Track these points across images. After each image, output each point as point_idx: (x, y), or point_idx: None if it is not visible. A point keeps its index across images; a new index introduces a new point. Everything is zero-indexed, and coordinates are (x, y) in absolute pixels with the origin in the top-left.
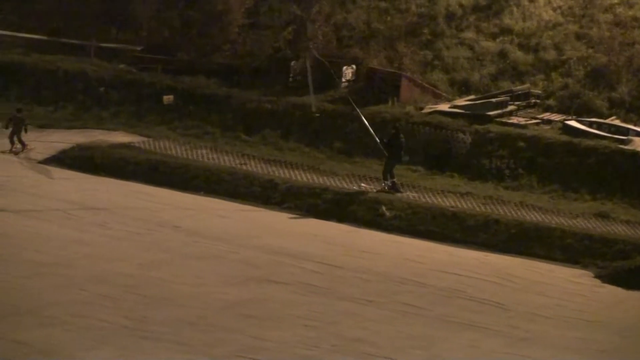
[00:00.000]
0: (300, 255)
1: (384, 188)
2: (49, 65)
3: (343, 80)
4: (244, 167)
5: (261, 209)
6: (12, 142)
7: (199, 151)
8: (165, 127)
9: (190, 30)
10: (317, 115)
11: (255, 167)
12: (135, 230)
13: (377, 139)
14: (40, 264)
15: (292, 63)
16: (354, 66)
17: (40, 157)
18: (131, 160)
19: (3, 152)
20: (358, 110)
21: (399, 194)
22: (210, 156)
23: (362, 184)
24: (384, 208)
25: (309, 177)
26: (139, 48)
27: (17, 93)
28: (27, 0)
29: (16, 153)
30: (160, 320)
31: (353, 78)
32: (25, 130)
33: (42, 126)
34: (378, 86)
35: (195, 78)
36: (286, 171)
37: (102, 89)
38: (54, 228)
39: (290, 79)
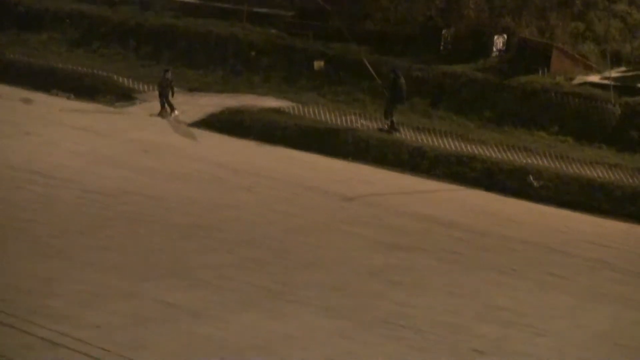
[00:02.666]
0: (446, 222)
1: (384, 127)
2: (200, 29)
3: (494, 49)
4: None
5: (408, 175)
6: (162, 105)
7: (348, 117)
8: (315, 93)
9: None
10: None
11: (404, 135)
12: (283, 195)
13: (379, 81)
14: (189, 226)
15: (444, 31)
16: (505, 36)
17: (189, 120)
18: (280, 125)
19: (152, 114)
20: (365, 60)
21: (397, 134)
22: (359, 122)
23: (531, 177)
24: (531, 177)
25: (458, 145)
26: (290, 14)
27: (169, 56)
28: None
29: (165, 116)
30: (306, 285)
31: (504, 48)
32: (172, 93)
33: (193, 89)
34: (529, 56)
35: (346, 45)
36: (435, 139)
37: (253, 53)
38: (204, 191)
39: (441, 48)
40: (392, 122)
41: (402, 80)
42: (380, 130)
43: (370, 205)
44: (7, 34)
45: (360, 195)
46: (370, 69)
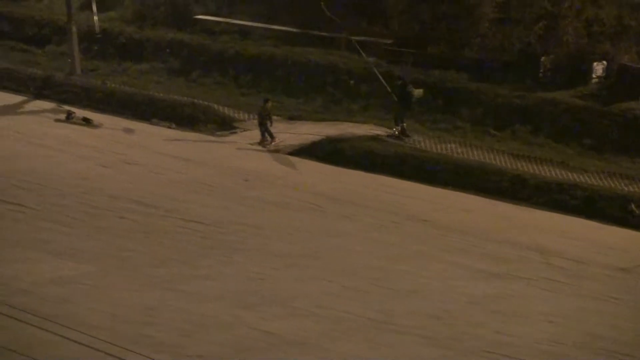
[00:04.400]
0: (547, 251)
1: (394, 133)
2: (299, 57)
3: (593, 76)
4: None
5: (508, 204)
6: (262, 134)
7: (448, 145)
8: (414, 121)
9: (440, 24)
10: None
11: (504, 162)
12: (382, 223)
13: (388, 89)
14: (289, 255)
15: (542, 58)
16: (604, 62)
17: (289, 148)
18: (379, 153)
19: (252, 143)
20: (372, 65)
21: (407, 140)
22: (458, 150)
23: (633, 205)
24: (632, 205)
25: (558, 172)
26: (388, 41)
27: (268, 85)
28: None
29: (265, 145)
30: (406, 314)
31: (603, 74)
32: (270, 122)
33: (292, 118)
34: (629, 83)
35: (445, 72)
36: (534, 166)
37: (352, 81)
38: (303, 219)
39: (541, 74)
40: (402, 128)
41: (411, 87)
42: (390, 136)
43: (470, 234)
44: (108, 63)
45: (459, 223)
46: (382, 79)
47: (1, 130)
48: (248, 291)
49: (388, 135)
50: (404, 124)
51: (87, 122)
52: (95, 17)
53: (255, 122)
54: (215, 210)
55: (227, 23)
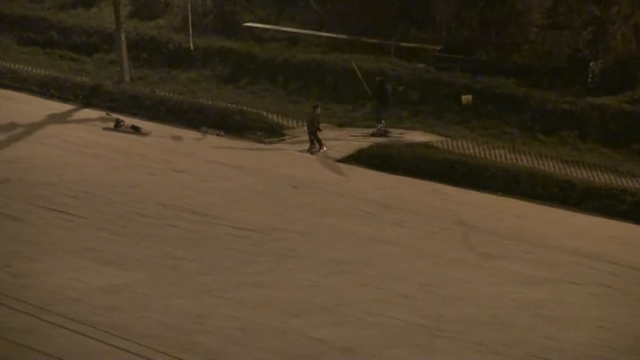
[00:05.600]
0: (596, 256)
1: (376, 132)
2: (348, 64)
3: None
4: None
5: (557, 209)
6: (311, 141)
7: (497, 151)
8: (463, 127)
9: (489, 30)
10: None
11: (553, 168)
12: (432, 229)
13: (366, 87)
14: (339, 262)
15: (591, 64)
16: None
17: (338, 155)
18: (429, 159)
19: (301, 150)
20: (354, 65)
21: (388, 136)
22: (507, 156)
23: None
24: None
25: (607, 178)
26: (437, 48)
27: (317, 92)
28: (329, 0)
29: (313, 152)
30: (455, 319)
31: None
32: (319, 129)
33: (341, 125)
34: None
35: (493, 78)
36: (583, 172)
37: (401, 88)
38: (352, 226)
39: (589, 80)
40: (382, 126)
41: (389, 85)
42: (374, 134)
43: (519, 239)
44: (157, 71)
45: (508, 229)
46: (360, 76)
47: (50, 139)
48: (297, 298)
49: (372, 133)
50: (383, 123)
51: (135, 130)
52: (190, 33)
53: (304, 129)
54: (264, 218)
55: (276, 30)
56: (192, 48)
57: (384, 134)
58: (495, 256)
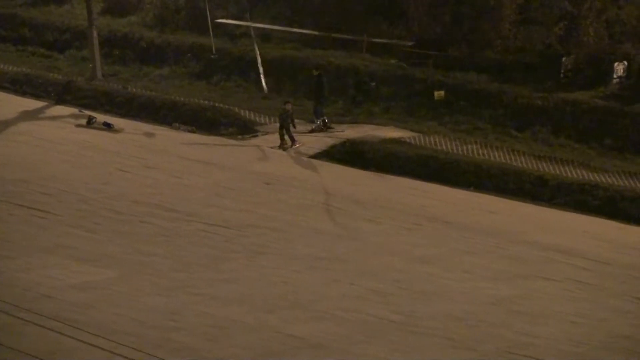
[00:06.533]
0: (569, 251)
1: (316, 128)
2: (320, 60)
3: (614, 76)
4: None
5: (530, 204)
6: (281, 137)
7: (469, 146)
8: (435, 123)
9: (461, 25)
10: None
11: (525, 164)
12: (405, 225)
13: (261, 71)
14: (312, 258)
15: (564, 59)
16: (625, 62)
17: (310, 151)
18: (401, 156)
19: (273, 147)
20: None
21: (332, 131)
22: (480, 152)
23: None
24: None
25: (579, 173)
26: (410, 43)
27: (290, 88)
28: None
29: (285, 148)
30: (428, 315)
31: (624, 74)
32: (293, 125)
33: (313, 121)
34: None
35: (466, 73)
36: (556, 167)
37: (373, 84)
38: (325, 222)
39: (562, 75)
40: (323, 120)
41: (324, 79)
42: (313, 131)
43: (492, 235)
44: (129, 68)
45: (481, 225)
46: (260, 65)
47: (22, 136)
48: (271, 294)
49: (312, 129)
50: (325, 117)
51: (108, 126)
52: (212, 39)
53: (277, 126)
54: (237, 214)
55: (248, 27)
56: (214, 52)
57: (324, 129)
58: (468, 252)
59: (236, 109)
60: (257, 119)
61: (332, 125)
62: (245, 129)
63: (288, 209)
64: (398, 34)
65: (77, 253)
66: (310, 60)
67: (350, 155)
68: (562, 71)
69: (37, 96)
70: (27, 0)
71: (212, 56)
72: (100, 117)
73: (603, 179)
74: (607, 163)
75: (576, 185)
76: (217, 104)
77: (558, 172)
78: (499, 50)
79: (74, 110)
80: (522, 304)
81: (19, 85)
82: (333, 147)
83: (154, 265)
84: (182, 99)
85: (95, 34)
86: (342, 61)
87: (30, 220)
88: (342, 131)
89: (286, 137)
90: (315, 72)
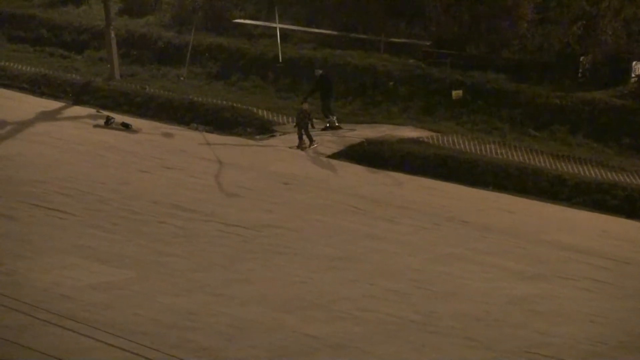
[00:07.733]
0: (588, 251)
1: (328, 125)
2: (338, 60)
3: (632, 75)
4: None
5: (548, 204)
6: (300, 137)
7: (487, 146)
8: (453, 122)
9: (479, 25)
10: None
11: (544, 163)
12: (423, 225)
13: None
14: (330, 258)
15: (581, 58)
16: None
17: (328, 151)
18: (419, 155)
19: (291, 147)
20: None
21: (341, 130)
22: (498, 151)
23: None
24: None
25: (598, 172)
26: (428, 43)
27: (307, 88)
28: None
29: (303, 148)
30: (447, 315)
31: None
32: (312, 125)
33: (327, 117)
34: None
35: (484, 73)
36: (574, 166)
37: (391, 83)
38: (343, 222)
39: (580, 75)
40: (330, 120)
41: (330, 78)
42: (325, 129)
43: (511, 235)
44: (147, 68)
45: (499, 224)
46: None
47: (41, 137)
48: (289, 295)
49: (324, 128)
50: (334, 115)
51: (126, 127)
52: (279, 43)
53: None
54: (255, 214)
55: (266, 27)
56: (280, 60)
57: (334, 128)
58: (486, 252)
59: (254, 109)
60: (275, 118)
61: (341, 125)
62: (263, 129)
63: (306, 209)
64: (416, 34)
65: (96, 253)
66: (327, 60)
67: (368, 155)
68: (580, 70)
69: (55, 97)
70: (45, 1)
71: (278, 65)
72: (119, 118)
73: (621, 178)
74: (625, 162)
75: (595, 185)
76: (235, 104)
77: (576, 171)
78: (516, 50)
79: (92, 110)
80: (541, 304)
81: (37, 86)
82: (351, 147)
83: (172, 265)
84: (200, 99)
85: (113, 34)
86: (360, 61)
87: (48, 221)
88: (353, 129)
89: (304, 136)
90: (318, 72)
